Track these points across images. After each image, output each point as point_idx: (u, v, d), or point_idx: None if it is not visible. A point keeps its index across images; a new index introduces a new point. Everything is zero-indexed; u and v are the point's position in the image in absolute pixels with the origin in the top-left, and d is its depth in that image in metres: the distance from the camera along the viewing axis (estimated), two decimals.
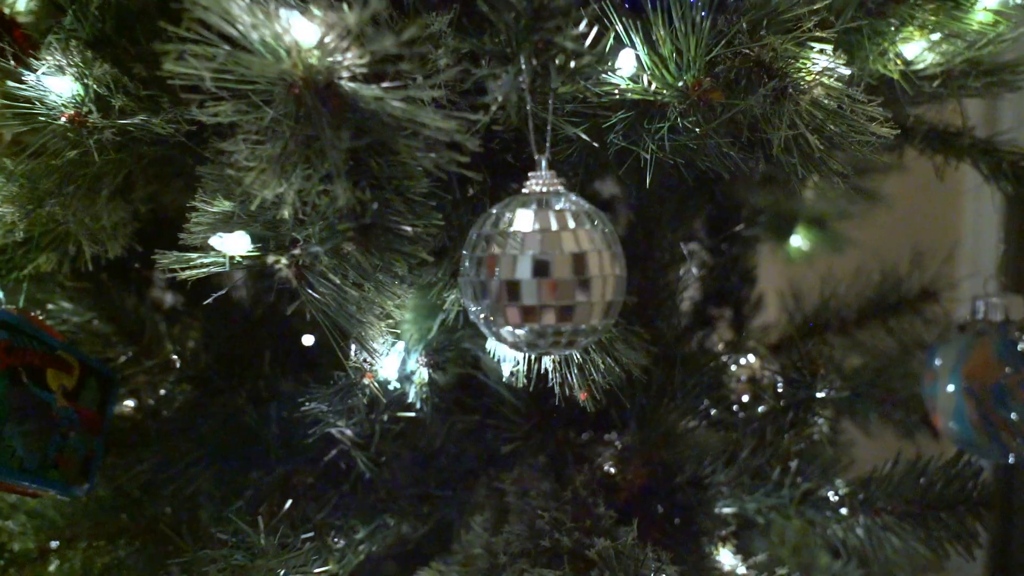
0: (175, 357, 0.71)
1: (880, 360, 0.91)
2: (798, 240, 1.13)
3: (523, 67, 0.39)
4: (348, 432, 0.59)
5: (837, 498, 0.69)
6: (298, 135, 0.39)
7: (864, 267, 0.96)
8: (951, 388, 0.75)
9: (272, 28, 0.37)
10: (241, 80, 0.39)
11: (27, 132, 0.53)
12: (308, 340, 0.79)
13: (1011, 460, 0.72)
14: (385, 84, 0.38)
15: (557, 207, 0.38)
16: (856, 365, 0.91)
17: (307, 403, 0.57)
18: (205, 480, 0.64)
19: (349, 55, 0.37)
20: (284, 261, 0.42)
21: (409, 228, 0.40)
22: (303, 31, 0.38)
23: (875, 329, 0.93)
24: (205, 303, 0.60)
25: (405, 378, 0.59)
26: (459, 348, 0.61)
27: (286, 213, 0.42)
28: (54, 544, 0.71)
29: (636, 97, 0.44)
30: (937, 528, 0.67)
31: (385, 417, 0.57)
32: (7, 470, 0.54)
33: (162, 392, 0.71)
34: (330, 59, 0.37)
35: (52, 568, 0.70)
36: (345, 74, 0.37)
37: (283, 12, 0.38)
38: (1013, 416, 0.72)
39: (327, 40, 0.37)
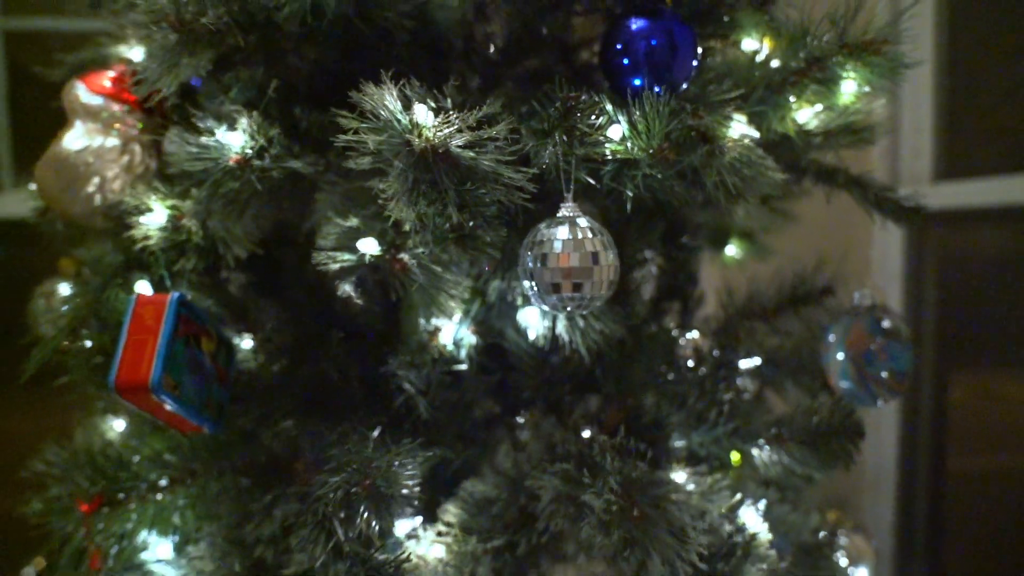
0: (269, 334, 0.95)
1: (792, 340, 1.18)
2: (732, 249, 1.41)
3: (557, 140, 0.65)
4: (414, 382, 0.84)
5: (756, 433, 0.96)
6: (420, 178, 0.63)
7: (780, 270, 1.24)
8: (840, 356, 1.02)
9: (411, 115, 0.62)
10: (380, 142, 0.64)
11: (200, 170, 0.77)
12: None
13: (879, 404, 1.00)
14: (477, 149, 0.63)
15: (581, 225, 0.64)
16: (775, 344, 1.18)
17: (389, 362, 0.82)
18: (309, 423, 0.87)
19: (457, 133, 0.61)
20: (406, 256, 0.67)
21: (488, 237, 0.65)
22: (427, 116, 0.63)
23: (789, 317, 1.20)
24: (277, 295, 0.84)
25: (456, 343, 0.84)
26: (491, 323, 0.86)
27: (407, 226, 0.67)
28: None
29: (621, 156, 0.70)
30: (824, 451, 0.94)
31: (448, 369, 0.82)
32: (185, 408, 0.77)
33: (261, 360, 0.94)
34: (444, 134, 0.62)
35: (180, 494, 0.92)
36: (453, 143, 0.62)
37: (417, 105, 0.62)
38: (883, 374, 1.00)
39: (444, 123, 0.62)
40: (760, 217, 1.33)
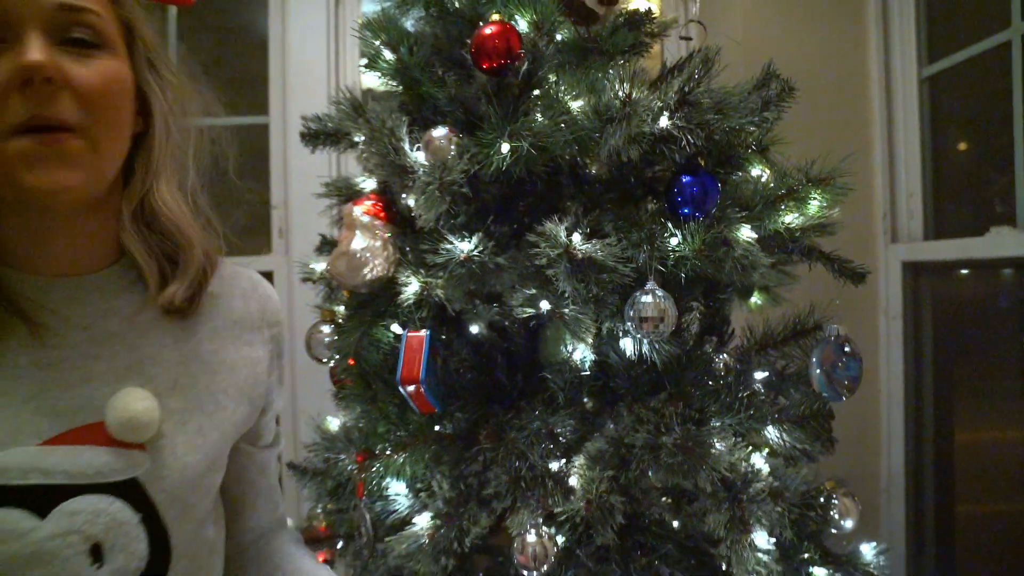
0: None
1: (793, 361, 1.73)
2: (754, 299, 1.98)
3: (646, 248, 1.23)
4: (558, 382, 1.42)
5: (765, 418, 1.50)
6: (575, 269, 1.22)
7: (787, 314, 1.79)
8: (818, 371, 1.57)
9: (571, 238, 1.21)
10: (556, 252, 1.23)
11: (442, 261, 1.37)
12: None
13: (843, 399, 1.54)
14: (605, 255, 1.21)
15: (657, 294, 1.22)
16: (782, 364, 1.73)
17: (545, 370, 1.41)
18: (489, 409, 1.46)
19: (595, 249, 1.20)
20: (566, 310, 1.26)
21: (609, 300, 1.23)
22: (580, 238, 1.22)
23: (791, 346, 1.76)
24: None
25: (582, 359, 1.42)
26: (602, 348, 1.44)
27: (566, 294, 1.26)
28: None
29: (678, 254, 1.28)
30: (808, 429, 1.48)
31: (577, 375, 1.40)
32: (432, 396, 1.36)
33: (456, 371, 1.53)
34: (590, 248, 1.20)
35: (405, 455, 1.50)
36: (595, 253, 1.20)
37: (576, 234, 1.21)
38: (845, 381, 1.53)
39: (585, 241, 1.21)
40: (773, 278, 1.90)
